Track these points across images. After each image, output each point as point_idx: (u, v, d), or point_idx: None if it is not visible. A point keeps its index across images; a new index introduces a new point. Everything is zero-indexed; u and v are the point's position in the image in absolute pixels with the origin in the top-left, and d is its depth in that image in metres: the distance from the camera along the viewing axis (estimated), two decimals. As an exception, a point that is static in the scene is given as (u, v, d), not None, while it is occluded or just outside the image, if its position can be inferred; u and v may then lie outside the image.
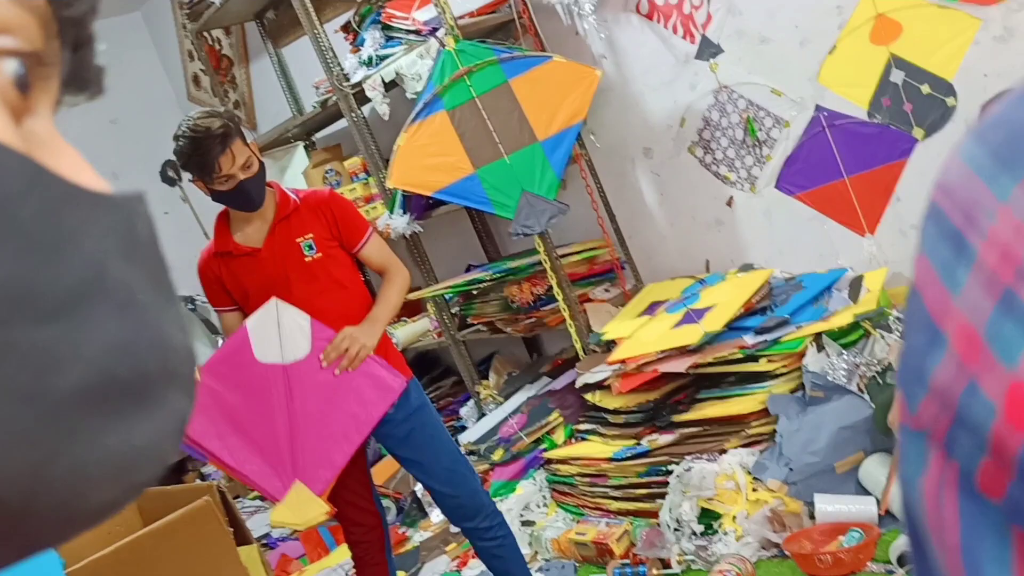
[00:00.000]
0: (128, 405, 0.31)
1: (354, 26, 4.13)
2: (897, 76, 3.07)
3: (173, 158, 2.51)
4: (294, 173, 5.06)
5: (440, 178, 3.52)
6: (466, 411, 4.28)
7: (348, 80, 4.01)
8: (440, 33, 3.61)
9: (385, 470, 4.13)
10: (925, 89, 3.03)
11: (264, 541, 4.10)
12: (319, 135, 5.04)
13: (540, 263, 3.66)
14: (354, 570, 2.81)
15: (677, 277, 3.74)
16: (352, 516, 2.68)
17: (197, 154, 2.38)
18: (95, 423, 0.30)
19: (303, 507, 2.38)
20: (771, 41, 3.31)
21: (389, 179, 3.53)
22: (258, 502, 4.86)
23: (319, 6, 4.05)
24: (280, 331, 2.47)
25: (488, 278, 3.84)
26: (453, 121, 3.49)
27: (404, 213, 3.97)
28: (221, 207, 2.60)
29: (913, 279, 0.38)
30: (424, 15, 3.75)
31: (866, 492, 2.77)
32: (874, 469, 2.77)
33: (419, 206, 3.96)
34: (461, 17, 3.71)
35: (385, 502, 3.98)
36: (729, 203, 3.64)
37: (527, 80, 3.57)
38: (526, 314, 3.81)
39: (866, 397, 2.86)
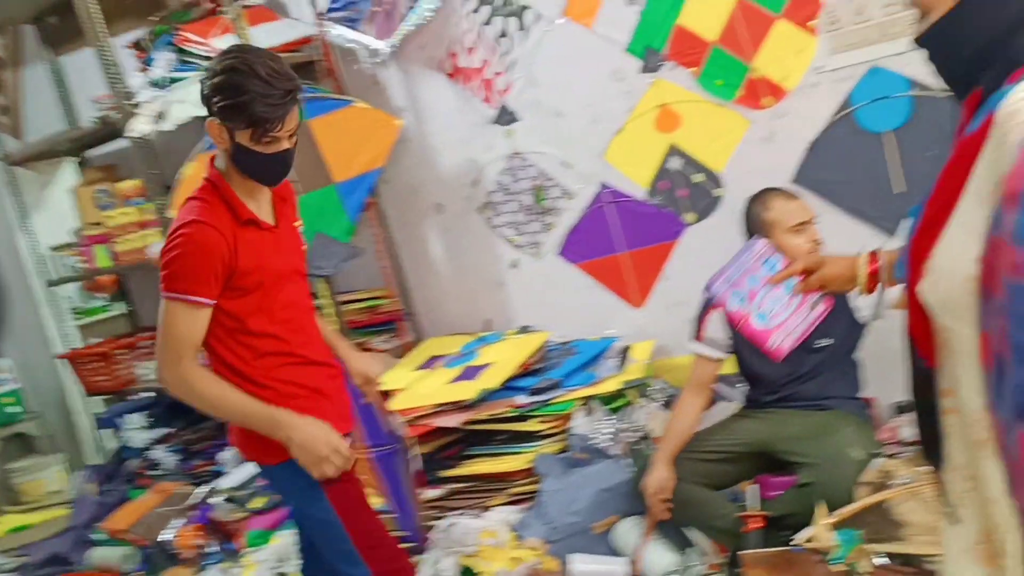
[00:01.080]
0: None
1: (145, 44, 3.95)
2: (675, 163, 3.30)
3: None
4: (60, 190, 4.71)
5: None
6: (226, 456, 4.08)
7: (132, 98, 3.81)
8: (239, 63, 3.52)
9: (129, 514, 3.84)
10: (698, 178, 3.28)
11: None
12: (93, 153, 4.73)
13: (320, 307, 3.59)
14: None
15: (457, 333, 3.78)
16: None
17: (264, 100, 1.92)
18: None
19: None
20: (565, 115, 3.47)
21: (172, 207, 3.37)
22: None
23: (110, 18, 3.83)
24: None
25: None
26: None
27: (181, 243, 3.79)
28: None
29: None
30: (223, 43, 3.64)
31: (617, 554, 2.88)
32: (626, 532, 2.89)
33: (198, 237, 3.79)
34: (262, 51, 3.63)
35: (126, 548, 3.71)
36: (513, 265, 3.74)
37: (327, 122, 3.55)
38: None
39: (625, 462, 2.99)
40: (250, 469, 3.71)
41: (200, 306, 2.02)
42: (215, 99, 1.97)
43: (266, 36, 3.72)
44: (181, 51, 3.77)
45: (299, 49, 3.85)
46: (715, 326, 2.80)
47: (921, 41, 1.14)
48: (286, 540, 3.31)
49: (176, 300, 2.01)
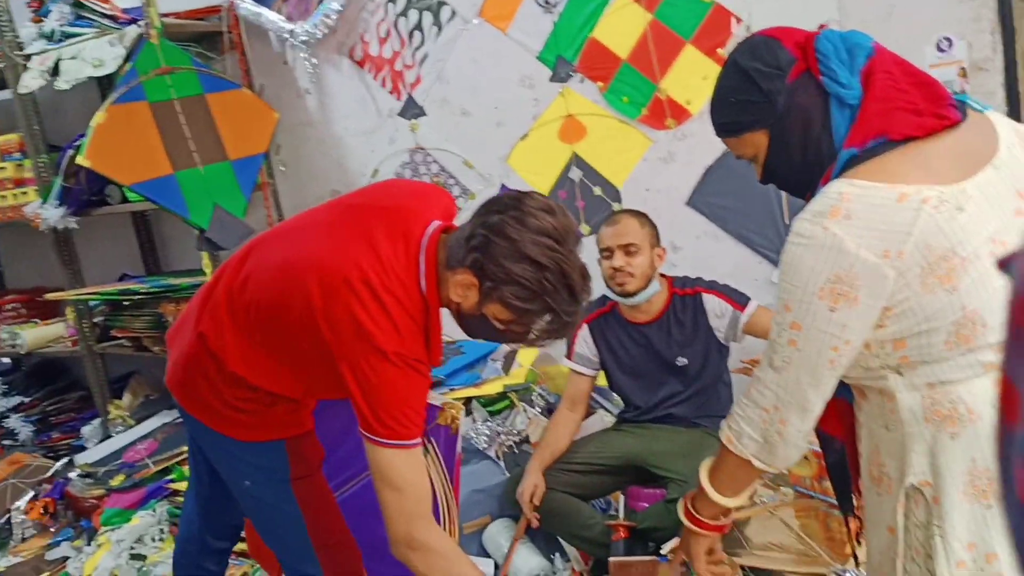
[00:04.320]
0: None
1: (42, -6, 3.78)
2: (576, 174, 3.34)
3: None
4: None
5: (139, 171, 3.27)
6: (89, 430, 3.93)
7: (22, 49, 3.64)
8: (142, 23, 3.40)
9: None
10: (597, 191, 3.32)
11: None
12: (-28, 101, 4.48)
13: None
14: None
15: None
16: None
17: (556, 320, 1.66)
18: None
19: None
20: (471, 116, 3.47)
21: (84, 156, 3.20)
22: None
23: (4, -38, 3.65)
24: None
25: (144, 290, 3.59)
26: (155, 116, 3.28)
27: (60, 205, 3.63)
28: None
29: None
30: (126, 2, 3.51)
31: (486, 554, 2.89)
32: (497, 534, 2.90)
33: (77, 200, 3.64)
34: (166, 15, 3.52)
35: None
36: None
37: (222, 99, 3.48)
38: (178, 335, 3.60)
39: (502, 464, 3.01)
40: (112, 446, 3.58)
41: (419, 446, 1.70)
42: (506, 281, 1.62)
43: (172, 0, 3.60)
44: (79, 4, 3.62)
45: (205, 18, 3.75)
46: (584, 344, 2.87)
47: (764, 182, 1.40)
48: (146, 520, 3.20)
49: (396, 449, 1.67)
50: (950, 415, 1.23)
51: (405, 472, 1.66)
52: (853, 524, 1.59)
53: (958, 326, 1.21)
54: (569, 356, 2.91)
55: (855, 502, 1.57)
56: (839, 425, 1.45)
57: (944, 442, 1.24)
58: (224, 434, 1.94)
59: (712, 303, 2.76)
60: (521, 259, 1.59)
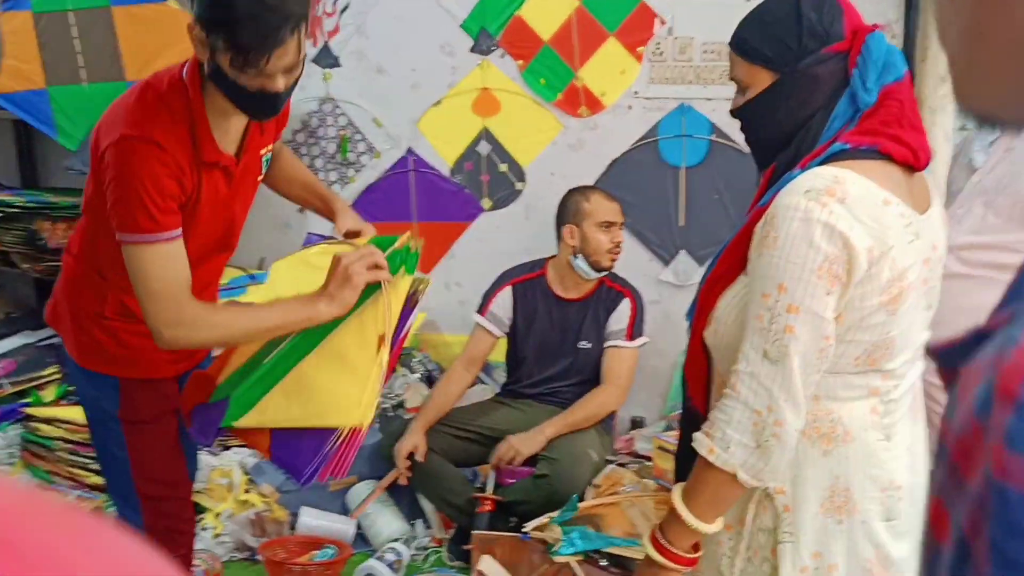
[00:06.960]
0: None
1: None
2: (484, 148, 3.35)
3: None
4: None
5: (3, 81, 3.08)
6: (-59, 342, 3.71)
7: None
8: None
9: None
10: (503, 168, 3.34)
11: None
12: None
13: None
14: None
15: (232, 266, 3.63)
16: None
17: (251, 24, 1.56)
18: None
19: None
20: (387, 74, 3.43)
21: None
22: None
23: None
24: None
25: (18, 203, 3.41)
26: (37, 26, 3.10)
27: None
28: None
29: None
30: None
31: (349, 513, 2.90)
32: (361, 493, 2.91)
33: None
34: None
35: None
36: (301, 210, 3.64)
37: (132, 13, 3.30)
38: (53, 256, 3.43)
39: (376, 426, 3.01)
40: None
41: (172, 240, 1.64)
42: (200, 15, 1.63)
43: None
44: None
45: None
46: (501, 305, 2.90)
47: (735, 113, 1.35)
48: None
49: (140, 244, 1.62)
50: (828, 433, 1.28)
51: (152, 269, 1.62)
52: None
53: (875, 347, 1.24)
54: (482, 312, 2.92)
55: None
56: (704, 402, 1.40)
57: (815, 457, 1.28)
58: (68, 352, 1.95)
59: (623, 313, 2.85)
60: None
